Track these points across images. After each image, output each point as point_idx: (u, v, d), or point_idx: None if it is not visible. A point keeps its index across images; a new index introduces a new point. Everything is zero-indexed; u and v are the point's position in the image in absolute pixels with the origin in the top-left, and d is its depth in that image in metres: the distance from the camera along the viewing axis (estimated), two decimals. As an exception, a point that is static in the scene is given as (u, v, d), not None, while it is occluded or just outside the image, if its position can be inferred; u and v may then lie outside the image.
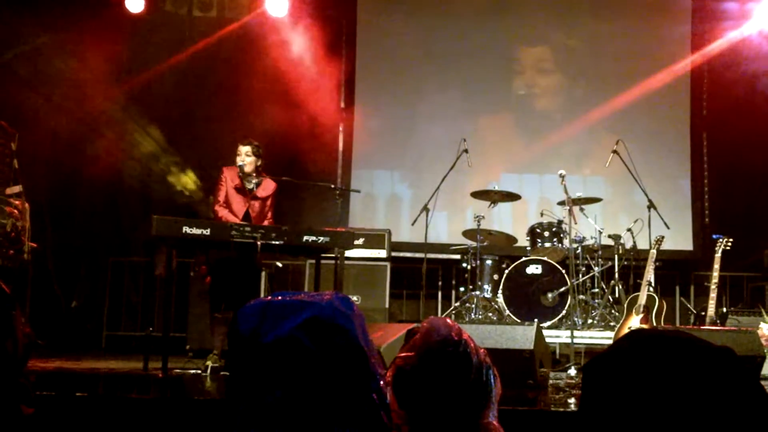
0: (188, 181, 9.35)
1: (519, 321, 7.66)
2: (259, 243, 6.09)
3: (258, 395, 1.20)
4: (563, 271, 7.96)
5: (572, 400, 5.11)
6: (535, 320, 6.58)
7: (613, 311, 7.97)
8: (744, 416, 1.18)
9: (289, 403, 1.20)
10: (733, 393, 1.19)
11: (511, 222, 9.54)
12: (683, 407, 1.17)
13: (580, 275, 8.06)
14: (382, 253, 8.57)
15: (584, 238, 8.21)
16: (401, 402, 1.70)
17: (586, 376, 1.29)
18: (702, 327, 6.96)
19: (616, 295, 8.13)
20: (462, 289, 8.71)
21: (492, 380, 1.86)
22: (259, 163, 6.80)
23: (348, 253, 7.07)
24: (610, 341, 7.22)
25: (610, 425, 1.21)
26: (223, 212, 6.66)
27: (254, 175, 6.78)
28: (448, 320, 1.91)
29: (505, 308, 7.98)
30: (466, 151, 8.21)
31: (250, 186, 6.77)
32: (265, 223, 6.84)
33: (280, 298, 1.27)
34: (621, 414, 1.21)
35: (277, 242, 6.21)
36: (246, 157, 6.73)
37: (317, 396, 1.20)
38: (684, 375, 1.19)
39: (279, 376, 1.21)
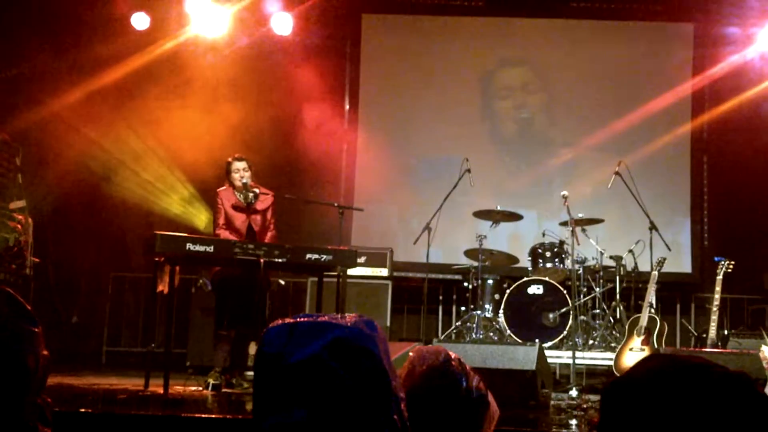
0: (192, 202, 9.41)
1: (520, 341, 7.65)
2: (262, 260, 6.10)
3: (283, 415, 1.22)
4: (564, 292, 7.97)
5: (573, 422, 5.11)
6: (537, 340, 6.59)
7: (614, 332, 7.96)
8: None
9: (313, 423, 1.21)
10: (750, 418, 1.20)
11: (513, 242, 9.55)
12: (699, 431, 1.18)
13: (582, 296, 8.06)
14: (383, 272, 8.60)
15: (586, 258, 8.23)
16: None
17: (604, 400, 1.30)
18: (703, 349, 6.97)
19: (618, 316, 8.13)
20: (463, 308, 8.71)
21: (483, 408, 1.85)
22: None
23: (350, 271, 7.08)
24: (611, 362, 7.24)
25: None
26: (224, 234, 6.68)
27: (251, 188, 6.81)
28: (438, 348, 1.90)
29: (506, 328, 7.98)
30: (468, 170, 8.24)
31: (249, 200, 6.79)
32: (269, 234, 6.87)
33: (305, 319, 1.29)
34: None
35: (280, 260, 6.23)
36: (244, 172, 6.77)
37: (341, 416, 1.22)
38: (700, 400, 1.20)
39: (304, 396, 1.22)
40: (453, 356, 1.87)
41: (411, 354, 1.88)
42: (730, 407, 1.18)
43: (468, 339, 8.02)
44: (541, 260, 8.37)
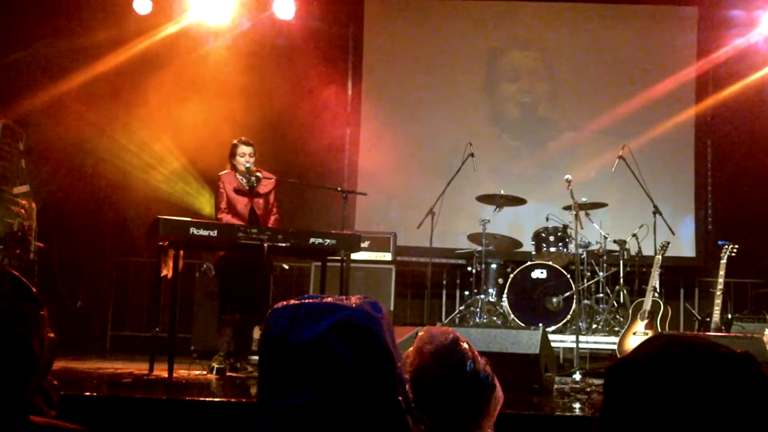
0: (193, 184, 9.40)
1: (523, 325, 7.66)
2: (265, 245, 6.10)
3: (287, 395, 1.22)
4: (568, 276, 7.97)
5: (577, 405, 5.12)
6: (540, 324, 6.59)
7: (617, 316, 7.97)
8: (764, 421, 1.19)
9: (317, 405, 1.21)
10: (754, 398, 1.19)
11: (516, 226, 9.54)
12: (703, 412, 1.18)
13: (585, 280, 8.07)
14: (387, 256, 8.59)
15: (589, 243, 8.22)
16: None
17: (607, 380, 1.30)
18: (707, 333, 6.98)
19: (621, 300, 8.13)
20: (467, 292, 8.72)
21: (489, 390, 1.86)
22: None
23: (353, 256, 7.07)
24: (615, 346, 7.24)
25: (632, 429, 1.22)
26: (226, 218, 6.67)
27: (254, 172, 6.80)
28: (447, 329, 1.92)
29: (510, 312, 7.99)
30: (472, 155, 8.22)
31: (252, 183, 6.78)
32: (272, 218, 6.87)
33: (310, 300, 1.29)
34: (642, 418, 1.22)
35: (283, 244, 6.22)
36: (249, 157, 6.76)
37: (346, 398, 1.22)
38: (703, 379, 1.20)
39: (308, 378, 1.22)
40: (461, 338, 1.89)
41: (420, 333, 1.90)
42: (733, 387, 1.18)
43: (472, 323, 8.03)
44: (544, 244, 8.37)
